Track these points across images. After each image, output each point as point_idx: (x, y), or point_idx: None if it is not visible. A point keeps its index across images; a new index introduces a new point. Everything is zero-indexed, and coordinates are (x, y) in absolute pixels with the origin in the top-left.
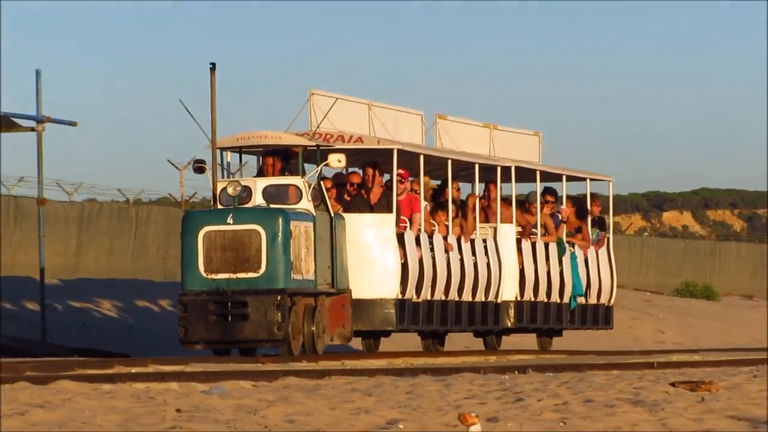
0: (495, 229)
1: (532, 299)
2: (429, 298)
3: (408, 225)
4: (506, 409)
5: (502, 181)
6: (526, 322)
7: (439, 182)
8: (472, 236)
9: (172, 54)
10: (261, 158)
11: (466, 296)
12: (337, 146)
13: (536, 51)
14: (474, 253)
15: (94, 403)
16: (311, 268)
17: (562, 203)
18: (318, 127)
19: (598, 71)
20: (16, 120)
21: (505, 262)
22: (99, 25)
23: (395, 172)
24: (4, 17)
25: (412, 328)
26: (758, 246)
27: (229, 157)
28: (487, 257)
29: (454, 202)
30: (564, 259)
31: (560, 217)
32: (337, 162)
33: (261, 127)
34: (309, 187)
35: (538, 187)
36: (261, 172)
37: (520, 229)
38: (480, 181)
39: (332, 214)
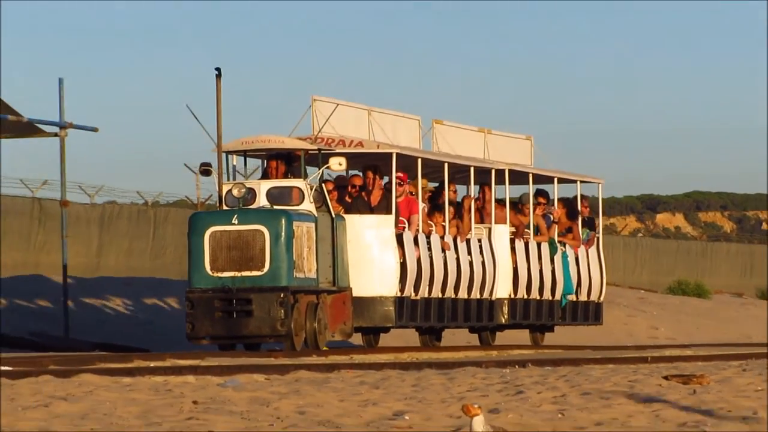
0: (489, 229)
1: (525, 297)
2: (427, 295)
3: (406, 226)
4: (507, 401)
5: (496, 184)
6: (520, 318)
7: (436, 184)
8: (468, 236)
9: (183, 61)
10: (265, 161)
11: (462, 294)
12: (338, 150)
13: (529, 58)
14: (470, 253)
15: (115, 396)
16: (313, 266)
17: (553, 205)
18: (320, 131)
19: (590, 77)
20: (40, 126)
21: (500, 261)
22: (115, 32)
23: (394, 175)
24: (29, 28)
25: (410, 324)
26: (747, 246)
27: (235, 160)
28: (482, 256)
29: (450, 203)
30: (555, 258)
31: (552, 218)
32: (338, 165)
33: (265, 131)
34: (311, 189)
35: (531, 189)
36: (265, 175)
37: (513, 229)
38: (475, 184)
39: (333, 215)
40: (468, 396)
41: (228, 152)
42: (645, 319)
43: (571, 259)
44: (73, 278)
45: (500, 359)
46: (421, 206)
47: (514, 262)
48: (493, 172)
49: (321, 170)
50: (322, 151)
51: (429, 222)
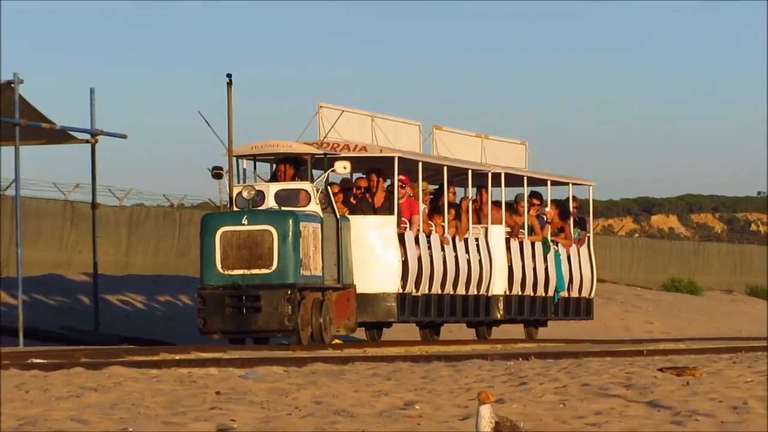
0: (486, 229)
1: (520, 293)
2: (427, 292)
3: (408, 226)
4: (511, 391)
5: (492, 186)
6: (514, 313)
7: (436, 187)
8: (466, 236)
9: (201, 70)
10: (274, 165)
11: (460, 290)
12: (343, 154)
13: (523, 67)
14: (467, 251)
15: (142, 387)
16: (319, 265)
17: (546, 206)
18: (326, 136)
19: (583, 83)
20: (72, 133)
21: (496, 260)
22: (139, 43)
23: (396, 177)
24: (59, 39)
25: (411, 319)
26: (737, 246)
27: (245, 164)
28: (479, 255)
29: (449, 204)
30: (548, 256)
31: (545, 219)
32: (342, 169)
33: (274, 136)
34: (317, 192)
35: (525, 191)
36: (274, 178)
37: (509, 229)
38: (473, 186)
39: (338, 216)
40: (474, 387)
41: (239, 156)
42: (641, 315)
43: (563, 258)
44: (104, 276)
45: (505, 352)
46: (422, 207)
47: (510, 260)
48: (490, 175)
49: (327, 173)
50: (328, 156)
51: (429, 222)
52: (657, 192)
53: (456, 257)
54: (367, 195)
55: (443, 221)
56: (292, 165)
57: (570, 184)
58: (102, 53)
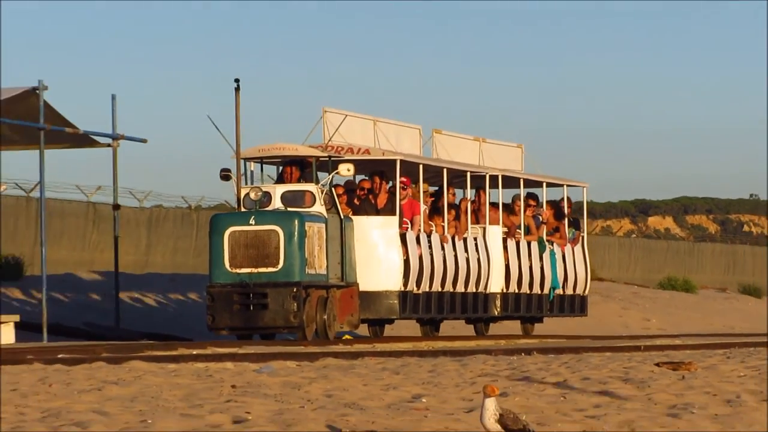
0: (484, 229)
1: (516, 291)
2: (427, 289)
3: (409, 226)
4: (514, 385)
5: (490, 187)
6: (511, 310)
7: (436, 188)
8: (465, 236)
9: (214, 76)
10: (281, 167)
11: (459, 288)
12: (346, 157)
13: (520, 73)
14: (466, 251)
15: (161, 380)
16: (323, 263)
17: (542, 207)
18: (330, 140)
19: (579, 86)
20: (94, 137)
21: (493, 259)
22: (156, 50)
23: (398, 179)
24: (83, 49)
25: (412, 316)
26: (730, 246)
27: (252, 166)
28: (478, 254)
29: (449, 205)
30: (544, 255)
31: (541, 219)
32: (346, 171)
33: (280, 140)
34: (322, 193)
35: (522, 192)
36: (280, 180)
37: (506, 229)
38: (471, 188)
39: (342, 217)
40: (479, 381)
41: (246, 159)
42: (638, 312)
43: (558, 257)
44: (124, 274)
45: (508, 348)
46: (423, 208)
47: (507, 259)
48: (488, 177)
49: (331, 175)
50: (333, 158)
51: (430, 222)
52: (653, 194)
53: (455, 256)
54: (370, 196)
55: (443, 221)
56: (298, 167)
57: (565, 186)
58: (122, 61)
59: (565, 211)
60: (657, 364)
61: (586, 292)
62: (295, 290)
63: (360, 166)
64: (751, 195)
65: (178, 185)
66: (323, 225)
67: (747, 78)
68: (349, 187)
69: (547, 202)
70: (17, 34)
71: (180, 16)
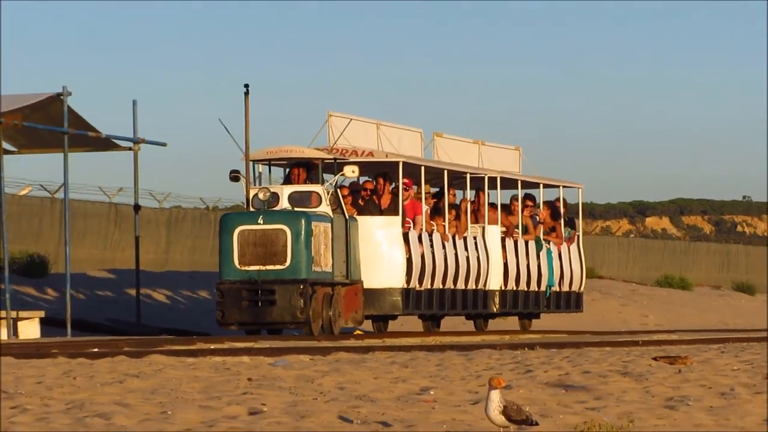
0: (483, 229)
1: (514, 288)
2: (429, 286)
3: (412, 225)
4: (518, 378)
5: (489, 189)
6: (509, 307)
7: (437, 189)
8: (465, 235)
9: (227, 82)
10: (288, 169)
11: (460, 285)
12: (351, 159)
13: (518, 78)
14: (466, 249)
15: (180, 374)
16: (329, 261)
17: (539, 207)
18: (335, 143)
19: (579, 90)
20: (116, 141)
21: (492, 257)
22: (174, 56)
23: (401, 181)
24: (105, 57)
25: (415, 312)
26: (724, 246)
27: (261, 168)
28: (477, 252)
29: (450, 205)
30: (541, 254)
31: (538, 219)
32: (351, 173)
33: (288, 143)
34: (328, 194)
35: (520, 193)
36: (288, 181)
37: (504, 229)
38: (471, 189)
39: (347, 217)
40: (484, 374)
41: (255, 161)
42: (636, 308)
43: (554, 255)
44: (145, 272)
45: (512, 342)
46: (425, 208)
47: (505, 257)
48: (486, 178)
49: (336, 177)
50: (338, 160)
51: (431, 222)
52: (651, 196)
53: (456, 255)
54: (374, 197)
55: (444, 221)
56: (305, 169)
57: (561, 187)
58: (142, 67)
59: (561, 212)
60: (654, 359)
61: (582, 289)
62: (301, 287)
63: (364, 168)
64: (744, 197)
65: (196, 187)
66: (329, 224)
67: (741, 83)
68: (354, 188)
69: (544, 202)
70: (43, 42)
71: (195, 26)
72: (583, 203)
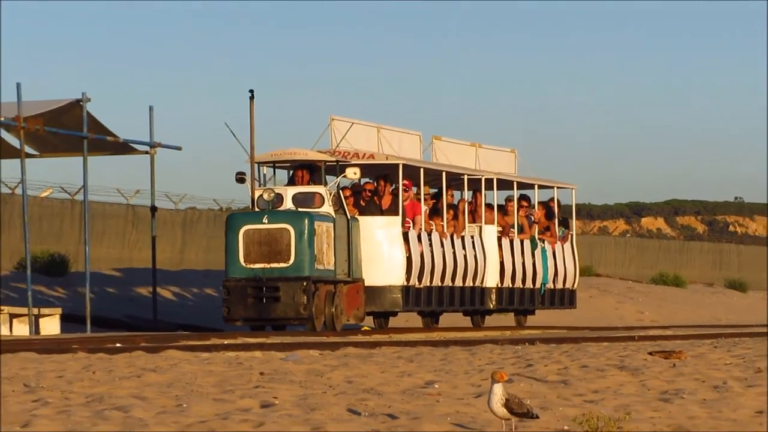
0: (480, 228)
1: (510, 285)
2: (428, 284)
3: (411, 225)
4: (519, 372)
5: (485, 189)
6: (505, 303)
7: (435, 190)
8: (462, 234)
9: (235, 86)
10: (292, 171)
11: (458, 283)
12: (353, 161)
13: (516, 82)
14: (464, 248)
15: (195, 368)
16: (331, 260)
17: (534, 207)
18: (337, 145)
19: (570, 95)
20: (133, 145)
21: (489, 256)
22: (187, 60)
23: (401, 182)
24: (123, 64)
25: (414, 309)
26: (717, 245)
27: (265, 169)
28: (474, 251)
29: (448, 206)
30: (536, 252)
31: (533, 219)
32: (353, 174)
33: (291, 145)
34: (330, 195)
35: (515, 194)
36: (292, 182)
37: (500, 228)
38: (468, 189)
39: (349, 217)
40: (487, 368)
41: (260, 163)
42: (633, 305)
43: (549, 253)
44: (161, 271)
45: (513, 338)
46: (424, 209)
47: (501, 256)
48: (483, 179)
49: (339, 178)
50: (340, 163)
51: (430, 222)
52: (646, 197)
53: (454, 253)
54: (375, 198)
55: (442, 221)
56: (308, 171)
57: (555, 188)
58: (158, 75)
59: (555, 211)
60: (650, 353)
61: (575, 286)
62: (305, 284)
63: (365, 169)
64: (735, 198)
65: (211, 189)
66: (331, 224)
67: (738, 87)
68: (356, 189)
69: (539, 202)
70: (64, 49)
71: (208, 33)
72: (581, 204)
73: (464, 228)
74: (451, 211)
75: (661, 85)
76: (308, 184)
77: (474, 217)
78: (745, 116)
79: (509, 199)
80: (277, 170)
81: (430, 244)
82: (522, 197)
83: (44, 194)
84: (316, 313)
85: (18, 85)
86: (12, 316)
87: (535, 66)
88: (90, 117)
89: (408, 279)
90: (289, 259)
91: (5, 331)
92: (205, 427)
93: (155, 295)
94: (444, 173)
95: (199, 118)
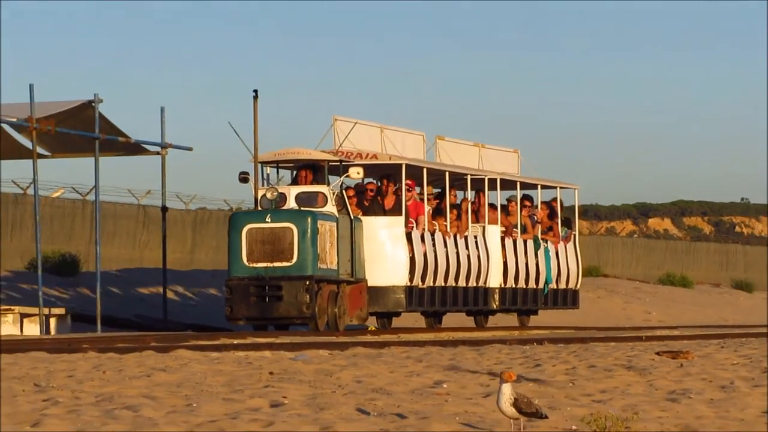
0: (484, 228)
1: (514, 285)
2: (431, 284)
3: (414, 225)
4: (527, 372)
5: (489, 190)
6: (509, 303)
7: (438, 190)
8: (465, 234)
9: (242, 88)
10: (295, 171)
11: (461, 283)
12: (356, 161)
13: (516, 83)
14: (467, 248)
15: (205, 368)
16: (334, 259)
17: (537, 207)
18: (341, 145)
19: (571, 95)
20: (145, 146)
21: (492, 256)
22: (198, 62)
23: (404, 182)
24: (134, 65)
25: (418, 309)
26: (723, 246)
27: (269, 169)
28: (478, 251)
29: (451, 206)
30: (539, 252)
31: (536, 219)
32: (356, 174)
33: (294, 145)
34: (333, 194)
35: (518, 194)
36: (295, 182)
37: (503, 228)
38: (471, 189)
39: (352, 217)
40: (495, 368)
41: (263, 163)
42: (640, 305)
43: (551, 254)
44: (171, 271)
45: (522, 338)
46: (427, 209)
47: (504, 256)
48: (486, 180)
49: (342, 178)
50: (343, 162)
51: (433, 222)
52: (653, 198)
53: (457, 253)
54: (378, 198)
55: (446, 221)
56: (311, 170)
57: (558, 188)
58: (169, 76)
59: (558, 211)
60: (657, 353)
61: (578, 286)
62: (307, 283)
63: (368, 169)
64: (742, 198)
65: (221, 189)
66: (334, 224)
67: (745, 87)
68: (359, 189)
69: (542, 202)
70: (76, 51)
71: (216, 35)
72: (588, 205)
73: (467, 228)
74: (454, 211)
75: (668, 85)
76: (311, 183)
77: (477, 217)
78: (750, 117)
79: (512, 199)
80: (280, 170)
81: (434, 244)
82: (525, 197)
83: (56, 194)
84: (318, 313)
85: (31, 86)
86: (23, 315)
87: (539, 66)
88: (102, 118)
89: (411, 279)
90: (292, 258)
91: (16, 331)
92: (214, 427)
93: (165, 295)
94: (447, 173)
95: (210, 119)
